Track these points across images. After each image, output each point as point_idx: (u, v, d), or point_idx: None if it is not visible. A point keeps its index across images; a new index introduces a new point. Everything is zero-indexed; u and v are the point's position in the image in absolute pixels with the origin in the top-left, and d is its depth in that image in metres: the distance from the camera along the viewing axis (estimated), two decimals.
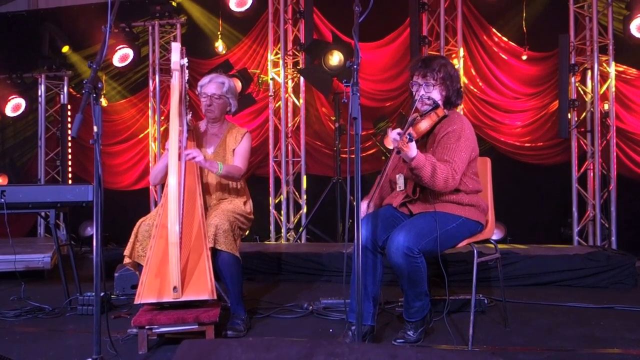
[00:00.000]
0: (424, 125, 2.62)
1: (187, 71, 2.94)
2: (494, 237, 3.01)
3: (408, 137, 2.37)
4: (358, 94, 2.05)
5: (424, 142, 2.74)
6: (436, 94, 2.71)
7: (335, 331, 2.93)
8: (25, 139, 7.32)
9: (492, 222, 2.91)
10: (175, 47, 2.80)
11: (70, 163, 7.15)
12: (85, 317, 3.35)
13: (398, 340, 2.64)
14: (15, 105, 6.99)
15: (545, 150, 6.03)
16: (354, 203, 2.14)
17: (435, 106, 2.67)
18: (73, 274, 3.82)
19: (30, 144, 7.31)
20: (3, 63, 6.86)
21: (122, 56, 6.64)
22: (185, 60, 2.87)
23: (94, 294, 3.51)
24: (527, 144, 6.05)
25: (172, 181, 2.68)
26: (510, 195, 5.57)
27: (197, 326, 2.66)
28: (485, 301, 3.35)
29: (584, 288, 4.05)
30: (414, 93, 2.75)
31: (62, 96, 7.20)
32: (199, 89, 3.20)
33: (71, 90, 7.22)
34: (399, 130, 2.48)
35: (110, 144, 7.09)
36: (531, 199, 5.96)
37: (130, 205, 6.63)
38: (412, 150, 2.41)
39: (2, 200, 3.42)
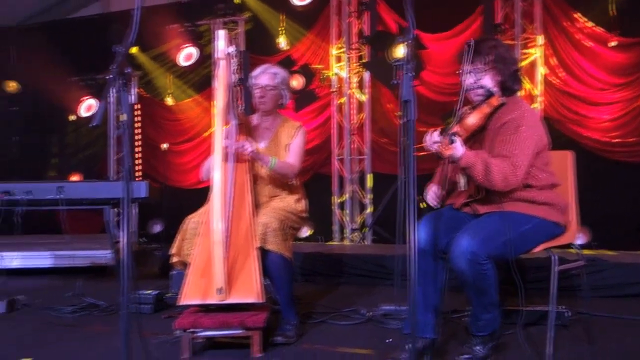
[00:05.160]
0: (473, 119, 2.30)
1: (235, 60, 2.78)
2: (577, 242, 2.63)
3: (449, 138, 2.11)
4: (411, 74, 1.79)
5: (481, 137, 2.40)
6: (488, 81, 2.38)
7: (393, 342, 2.67)
8: (97, 138, 7.54)
9: (574, 224, 2.54)
10: (221, 35, 2.65)
11: (141, 162, 7.31)
12: (136, 316, 3.28)
13: (463, 357, 2.34)
14: (88, 106, 7.22)
15: (637, 146, 5.42)
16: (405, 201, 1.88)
17: (489, 95, 2.35)
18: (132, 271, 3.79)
19: (103, 143, 7.53)
20: (77, 66, 7.09)
21: (186, 55, 6.69)
22: (232, 48, 2.71)
23: (147, 292, 3.52)
24: (615, 140, 5.46)
25: (217, 176, 2.53)
26: (596, 197, 5.04)
27: (242, 331, 2.49)
28: (567, 314, 2.96)
29: None
30: (463, 83, 2.43)
31: (131, 96, 7.35)
32: (251, 80, 3.06)
33: (140, 90, 7.36)
34: (437, 133, 2.20)
35: (177, 143, 7.17)
36: (620, 200, 5.37)
37: (196, 203, 6.62)
38: (457, 150, 2.16)
39: (60, 196, 3.42)
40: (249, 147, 2.74)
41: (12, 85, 7.54)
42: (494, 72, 2.39)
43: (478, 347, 2.34)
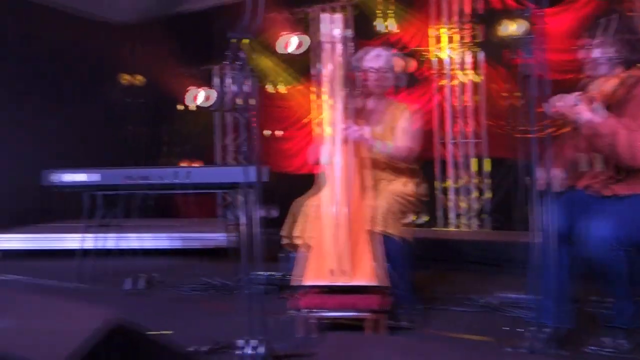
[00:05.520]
0: (608, 87, 2.20)
1: (345, 44, 2.78)
2: None
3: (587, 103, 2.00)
4: (532, 47, 1.70)
5: (612, 109, 2.23)
6: (613, 53, 2.26)
7: (515, 331, 2.55)
8: (205, 126, 7.86)
9: None
10: (332, 19, 2.67)
11: (251, 148, 7.52)
12: (257, 296, 3.41)
13: (601, 349, 2.20)
14: (199, 96, 7.54)
15: None
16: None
17: (616, 67, 2.24)
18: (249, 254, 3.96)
19: (210, 130, 7.83)
20: (185, 58, 7.41)
21: (291, 42, 6.77)
22: (342, 32, 2.71)
23: (260, 273, 3.64)
24: None
25: (332, 160, 2.56)
26: None
27: (359, 313, 2.51)
28: None
29: None
30: (587, 58, 2.35)
31: (250, 81, 7.55)
32: (357, 63, 3.04)
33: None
34: (573, 96, 2.08)
35: (281, 129, 7.32)
36: None
37: (301, 188, 6.72)
38: (599, 113, 2.03)
39: (185, 180, 3.59)
40: (359, 131, 2.72)
41: (133, 79, 8.10)
42: (619, 44, 2.27)
43: (612, 339, 2.20)
